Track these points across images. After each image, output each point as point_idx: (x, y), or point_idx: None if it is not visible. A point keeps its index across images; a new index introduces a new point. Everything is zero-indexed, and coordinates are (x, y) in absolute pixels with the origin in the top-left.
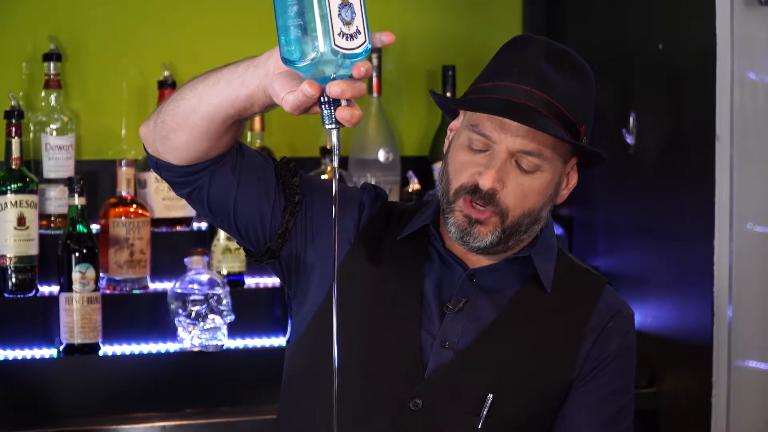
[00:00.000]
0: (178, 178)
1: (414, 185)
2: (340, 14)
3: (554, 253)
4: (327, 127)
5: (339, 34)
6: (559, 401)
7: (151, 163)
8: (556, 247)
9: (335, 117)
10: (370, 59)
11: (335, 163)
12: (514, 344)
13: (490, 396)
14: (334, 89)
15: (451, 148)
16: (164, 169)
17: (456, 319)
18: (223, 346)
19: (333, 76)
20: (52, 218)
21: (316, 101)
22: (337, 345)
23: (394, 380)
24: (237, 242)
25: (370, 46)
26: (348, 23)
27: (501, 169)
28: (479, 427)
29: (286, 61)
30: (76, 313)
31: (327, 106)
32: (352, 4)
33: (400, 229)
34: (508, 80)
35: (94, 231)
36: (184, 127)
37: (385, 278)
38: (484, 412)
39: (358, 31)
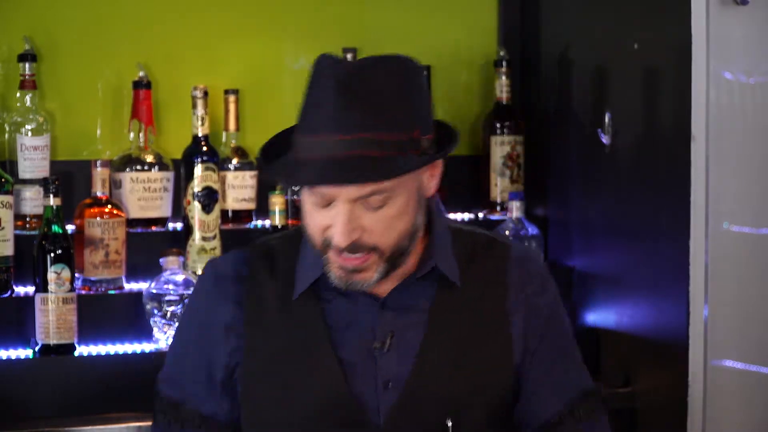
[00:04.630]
0: None
1: None
2: None
3: (449, 241)
4: None
5: None
6: (509, 392)
7: None
8: (449, 232)
9: None
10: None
11: None
12: (451, 358)
13: (449, 422)
14: None
15: (302, 197)
16: None
17: (388, 357)
18: None
19: None
20: (28, 219)
21: None
22: None
23: None
24: None
25: None
26: None
27: (350, 220)
28: None
29: None
30: (52, 314)
31: None
32: None
33: (287, 285)
34: (315, 132)
35: (69, 231)
36: None
37: (296, 345)
38: None
39: None
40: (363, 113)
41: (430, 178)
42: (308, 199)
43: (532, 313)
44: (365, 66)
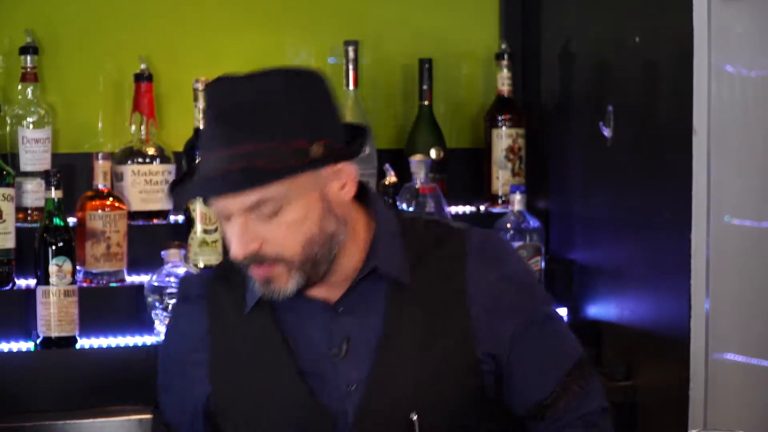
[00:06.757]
0: None
1: (391, 178)
2: None
3: (397, 239)
4: None
5: None
6: (478, 380)
7: None
8: (397, 231)
9: None
10: (347, 52)
11: None
12: (408, 357)
13: (414, 416)
14: None
15: None
16: None
17: (347, 362)
18: None
19: None
20: (29, 211)
21: None
22: None
23: None
24: None
25: None
26: None
27: (245, 232)
28: None
29: None
30: (53, 307)
31: None
32: None
33: (241, 301)
34: (205, 151)
35: (70, 224)
36: None
37: (257, 361)
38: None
39: None
40: (235, 130)
41: (339, 185)
42: (217, 215)
43: (499, 299)
44: (241, 83)
